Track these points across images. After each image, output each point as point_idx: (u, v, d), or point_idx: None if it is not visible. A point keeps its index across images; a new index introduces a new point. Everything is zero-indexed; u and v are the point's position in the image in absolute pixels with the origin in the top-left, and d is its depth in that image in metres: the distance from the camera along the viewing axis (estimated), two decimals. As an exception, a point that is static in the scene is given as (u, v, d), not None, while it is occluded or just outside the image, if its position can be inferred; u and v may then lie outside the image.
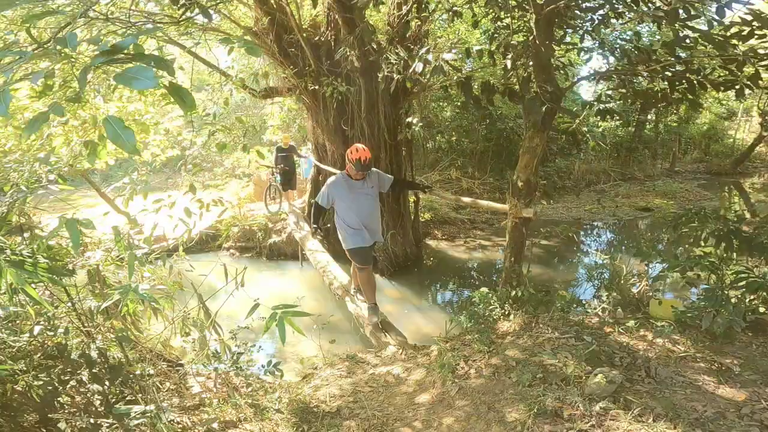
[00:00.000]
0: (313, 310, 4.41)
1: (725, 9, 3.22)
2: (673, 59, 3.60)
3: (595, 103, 4.26)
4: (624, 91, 4.04)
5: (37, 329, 2.38)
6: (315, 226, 4.64)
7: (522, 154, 4.03)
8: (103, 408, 2.43)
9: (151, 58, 1.15)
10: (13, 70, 1.14)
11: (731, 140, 22.73)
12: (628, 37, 5.04)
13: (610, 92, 4.35)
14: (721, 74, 3.60)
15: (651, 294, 3.84)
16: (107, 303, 2.47)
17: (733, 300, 3.08)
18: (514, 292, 3.91)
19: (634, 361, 2.83)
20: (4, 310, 2.16)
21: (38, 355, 2.41)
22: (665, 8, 3.26)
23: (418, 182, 5.11)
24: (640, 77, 4.10)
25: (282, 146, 10.30)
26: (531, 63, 3.85)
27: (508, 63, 3.88)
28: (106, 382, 2.51)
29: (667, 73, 3.64)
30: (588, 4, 4.07)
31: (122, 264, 2.93)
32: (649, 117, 18.96)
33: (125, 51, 1.14)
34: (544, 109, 3.65)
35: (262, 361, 3.62)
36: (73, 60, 1.22)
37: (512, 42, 4.02)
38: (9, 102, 1.05)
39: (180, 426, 2.45)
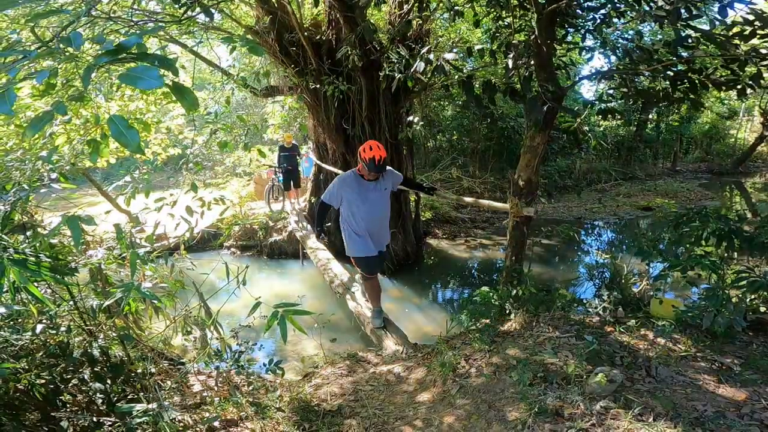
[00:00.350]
0: (314, 309, 4.39)
1: (727, 8, 3.22)
2: (674, 58, 3.60)
3: (597, 102, 4.27)
4: (625, 90, 4.04)
5: (39, 328, 2.39)
6: (319, 228, 4.26)
7: (523, 153, 4.03)
8: (105, 406, 2.44)
9: (154, 58, 1.15)
10: (17, 69, 1.15)
11: (733, 140, 22.75)
12: (629, 37, 5.04)
13: (611, 91, 4.35)
14: (723, 74, 3.60)
15: (652, 293, 3.84)
16: (109, 301, 2.48)
17: (733, 299, 3.07)
18: (515, 291, 3.91)
19: (634, 360, 2.84)
20: (7, 308, 2.16)
21: (40, 354, 2.42)
22: (667, 7, 3.26)
23: (422, 183, 4.70)
24: (641, 76, 4.10)
25: (285, 145, 10.14)
26: (532, 62, 3.85)
27: (510, 62, 3.88)
28: (108, 381, 2.52)
29: (668, 72, 3.65)
30: (590, 3, 4.08)
31: (124, 262, 2.94)
32: (650, 116, 18.96)
33: (129, 50, 1.14)
34: (545, 108, 3.65)
35: (263, 359, 3.63)
36: (77, 59, 1.22)
37: (514, 41, 4.02)
38: (14, 101, 1.05)
39: (181, 424, 2.46)
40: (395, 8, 7.69)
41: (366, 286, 4.54)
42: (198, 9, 4.10)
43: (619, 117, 4.36)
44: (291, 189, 10.42)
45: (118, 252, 2.89)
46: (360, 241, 4.09)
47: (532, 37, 3.73)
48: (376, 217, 4.06)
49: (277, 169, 10.10)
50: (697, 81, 3.52)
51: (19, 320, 2.47)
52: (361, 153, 3.84)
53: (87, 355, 2.46)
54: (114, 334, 2.76)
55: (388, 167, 4.09)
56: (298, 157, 10.39)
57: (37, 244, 2.40)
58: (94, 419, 2.25)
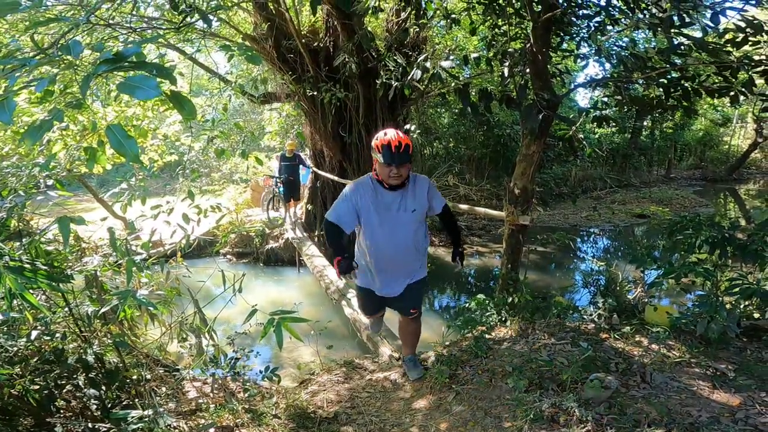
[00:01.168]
0: (311, 316, 4.38)
1: (719, 16, 3.25)
2: (668, 66, 3.64)
3: (592, 109, 4.30)
4: (620, 97, 4.07)
5: (34, 334, 2.38)
6: (339, 255, 2.74)
7: (519, 161, 4.05)
8: (99, 413, 2.43)
9: (152, 67, 1.17)
10: (16, 78, 1.16)
11: (726, 146, 22.91)
12: (623, 44, 5.09)
13: (606, 99, 4.38)
14: (716, 81, 3.63)
15: (646, 300, 3.86)
16: (105, 308, 2.48)
17: (727, 306, 3.09)
18: (510, 299, 3.92)
19: (629, 366, 2.84)
20: (4, 315, 2.16)
21: (35, 360, 2.41)
22: (660, 15, 3.30)
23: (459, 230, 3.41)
24: (635, 84, 4.14)
25: (286, 154, 9.43)
26: (528, 70, 3.88)
27: (506, 70, 3.91)
28: (103, 387, 2.51)
29: (662, 80, 3.68)
30: (584, 11, 4.12)
31: (120, 270, 2.93)
32: (644, 124, 19.09)
33: (127, 59, 1.15)
34: (540, 116, 3.68)
35: (259, 366, 3.61)
36: (75, 66, 1.23)
37: (510, 49, 4.05)
38: (13, 110, 1.06)
39: (177, 431, 2.45)
40: (392, 16, 7.76)
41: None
42: (196, 15, 4.12)
43: (613, 124, 4.39)
44: (291, 200, 9.83)
45: (114, 259, 2.88)
46: (365, 271, 3.05)
47: (528, 45, 3.76)
48: (396, 242, 2.87)
49: (277, 179, 9.51)
50: (690, 88, 3.55)
51: (14, 326, 2.46)
52: (374, 143, 2.67)
53: (82, 362, 2.45)
54: (109, 341, 2.75)
55: (425, 178, 2.95)
56: (301, 167, 9.67)
57: (34, 252, 2.39)
58: (89, 425, 2.24)
